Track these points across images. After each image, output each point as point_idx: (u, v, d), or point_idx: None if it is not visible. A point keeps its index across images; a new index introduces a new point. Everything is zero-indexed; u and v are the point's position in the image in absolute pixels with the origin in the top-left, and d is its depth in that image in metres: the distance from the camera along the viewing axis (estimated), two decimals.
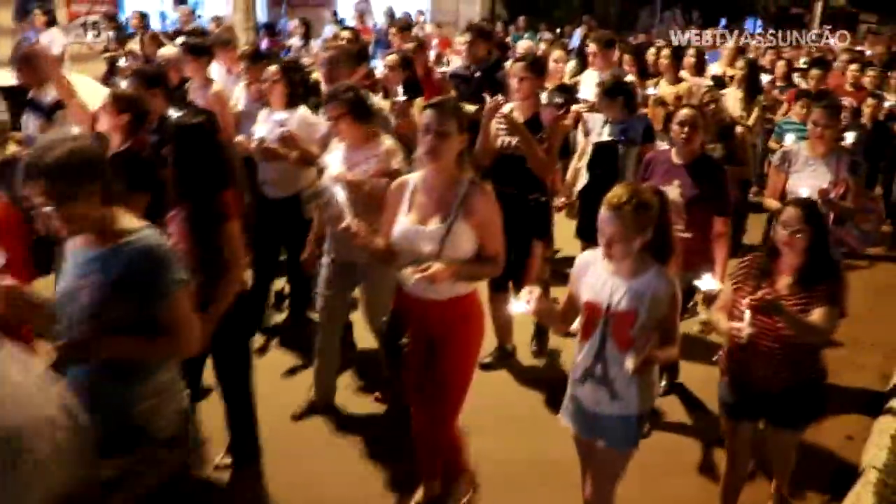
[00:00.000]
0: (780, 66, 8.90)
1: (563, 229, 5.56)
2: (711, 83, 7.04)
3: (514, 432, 4.20)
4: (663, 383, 4.57)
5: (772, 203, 4.56)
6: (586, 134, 5.42)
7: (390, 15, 14.15)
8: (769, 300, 2.92)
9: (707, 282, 3.60)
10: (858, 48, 12.43)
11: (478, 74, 6.20)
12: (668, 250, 2.82)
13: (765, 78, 8.18)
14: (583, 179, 5.15)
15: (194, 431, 3.15)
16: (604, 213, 2.71)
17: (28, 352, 2.89)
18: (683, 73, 7.10)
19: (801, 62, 10.89)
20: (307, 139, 4.63)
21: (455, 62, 8.48)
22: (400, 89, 5.53)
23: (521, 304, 2.75)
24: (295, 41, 10.24)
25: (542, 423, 4.16)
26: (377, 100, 5.03)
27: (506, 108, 4.39)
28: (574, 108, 5.85)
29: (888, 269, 7.07)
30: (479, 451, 3.75)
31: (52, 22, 10.45)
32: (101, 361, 2.31)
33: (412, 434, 3.42)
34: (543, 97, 5.36)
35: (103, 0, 13.55)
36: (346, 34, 7.14)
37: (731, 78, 7.50)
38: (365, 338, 4.56)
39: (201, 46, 6.03)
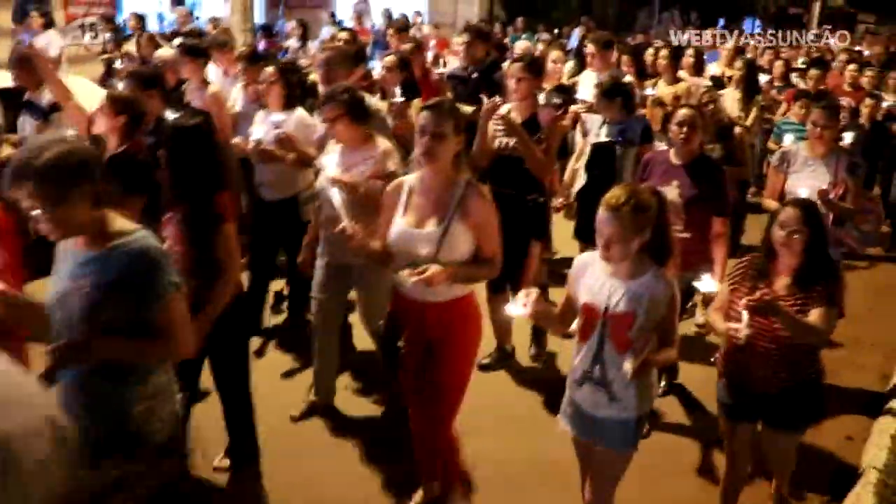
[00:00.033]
0: (778, 66, 8.90)
1: (562, 230, 5.55)
2: (710, 83, 7.03)
3: (513, 433, 4.19)
4: (662, 384, 4.56)
5: (770, 203, 4.55)
6: (584, 134, 5.42)
7: (388, 16, 14.16)
8: (767, 301, 2.91)
9: (706, 283, 3.59)
10: (857, 48, 12.44)
11: (475, 75, 6.19)
12: (667, 252, 2.81)
13: (763, 78, 8.17)
14: (581, 180, 5.15)
15: (189, 434, 3.13)
16: (602, 214, 2.69)
17: (21, 356, 2.90)
18: (682, 74, 7.09)
19: (800, 62, 10.90)
20: (304, 141, 4.62)
21: (452, 63, 8.47)
22: (398, 90, 5.52)
23: (519, 307, 2.73)
24: (292, 42, 10.25)
25: (541, 424, 4.15)
26: (374, 101, 5.02)
27: (503, 109, 4.38)
28: (572, 108, 5.84)
29: (888, 270, 7.06)
30: (478, 452, 3.74)
31: (49, 24, 10.46)
32: (96, 364, 2.30)
33: (411, 435, 3.41)
34: (541, 98, 5.35)
35: (101, 2, 13.56)
36: (343, 35, 7.13)
37: (730, 78, 7.49)
38: (364, 339, 4.55)
39: (198, 48, 6.03)
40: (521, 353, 5.04)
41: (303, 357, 4.76)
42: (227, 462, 3.77)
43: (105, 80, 8.07)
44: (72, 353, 2.25)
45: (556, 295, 3.28)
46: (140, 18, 10.40)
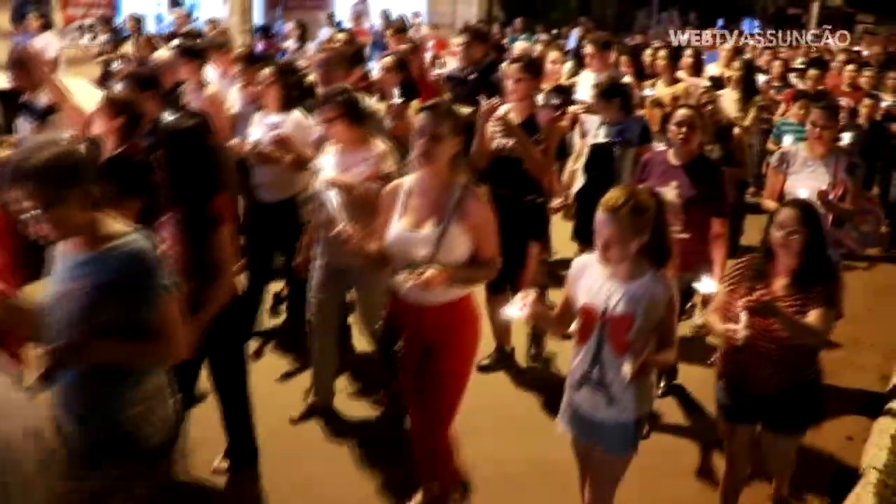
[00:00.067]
0: (777, 66, 8.90)
1: (560, 231, 5.54)
2: (709, 83, 7.02)
3: (512, 433, 4.19)
4: (662, 384, 4.56)
5: (769, 204, 4.54)
6: (583, 135, 5.41)
7: (386, 17, 14.15)
8: (765, 302, 2.90)
9: (706, 284, 3.58)
10: (855, 48, 12.44)
11: (473, 76, 6.18)
12: (666, 253, 2.79)
13: (761, 78, 8.16)
14: (579, 181, 5.14)
15: (184, 437, 3.13)
16: (600, 215, 2.68)
17: (18, 358, 2.89)
18: (681, 74, 7.07)
19: (798, 62, 10.90)
20: (302, 142, 4.61)
21: (451, 64, 8.46)
22: (396, 91, 5.51)
23: (517, 309, 2.72)
24: (290, 44, 10.22)
25: (540, 425, 4.15)
26: (372, 102, 5.01)
27: (502, 110, 4.37)
28: (570, 109, 5.83)
29: (887, 270, 7.06)
30: (477, 453, 3.75)
31: (46, 25, 10.44)
32: (90, 366, 2.30)
33: (411, 436, 3.41)
34: (540, 98, 5.34)
35: (100, 3, 13.55)
36: (341, 36, 7.12)
37: (729, 79, 7.48)
38: (363, 340, 4.55)
39: (195, 49, 6.00)
40: (521, 354, 5.03)
41: (302, 358, 4.75)
42: (226, 463, 3.77)
43: (103, 81, 8.05)
44: (68, 356, 2.24)
45: (555, 296, 3.27)
46: (137, 20, 10.39)
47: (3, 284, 2.45)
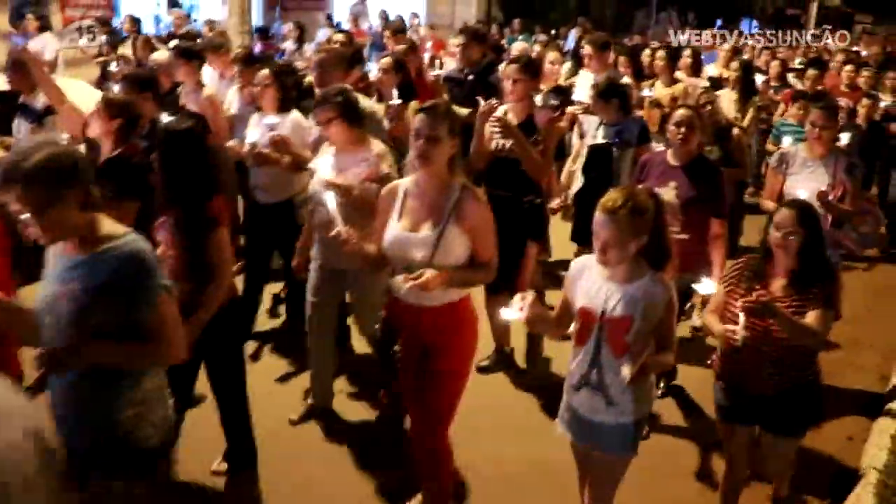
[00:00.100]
0: (775, 66, 8.89)
1: (559, 232, 5.54)
2: (707, 84, 7.01)
3: (512, 433, 4.19)
4: (661, 385, 4.55)
5: (769, 205, 4.53)
6: (581, 136, 5.40)
7: (384, 18, 14.14)
8: (763, 302, 2.89)
9: (706, 286, 3.57)
10: (854, 48, 12.44)
11: (471, 77, 6.18)
12: (665, 255, 2.78)
13: (759, 78, 8.16)
14: (578, 182, 5.13)
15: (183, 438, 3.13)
16: (598, 217, 2.67)
17: (12, 361, 2.88)
18: (679, 74, 7.07)
19: (797, 62, 10.89)
20: (299, 143, 4.60)
21: (449, 64, 8.45)
22: (395, 93, 5.50)
23: (514, 311, 2.71)
24: (288, 45, 10.22)
25: (540, 426, 4.14)
26: (369, 103, 5.00)
27: (500, 111, 4.36)
28: (569, 109, 5.82)
29: (886, 271, 7.05)
30: (477, 453, 3.75)
31: (44, 27, 10.43)
32: (85, 369, 2.28)
33: (410, 437, 3.40)
34: (538, 99, 5.33)
35: (99, 4, 13.54)
36: (339, 37, 7.11)
37: (727, 79, 7.48)
38: (362, 341, 4.54)
39: (192, 50, 6.00)
40: (521, 355, 5.02)
41: (301, 360, 4.74)
42: (225, 465, 3.77)
43: (101, 83, 8.05)
44: (64, 358, 2.23)
45: (553, 298, 3.26)
46: (135, 21, 10.37)
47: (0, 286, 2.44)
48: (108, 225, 2.33)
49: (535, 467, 3.86)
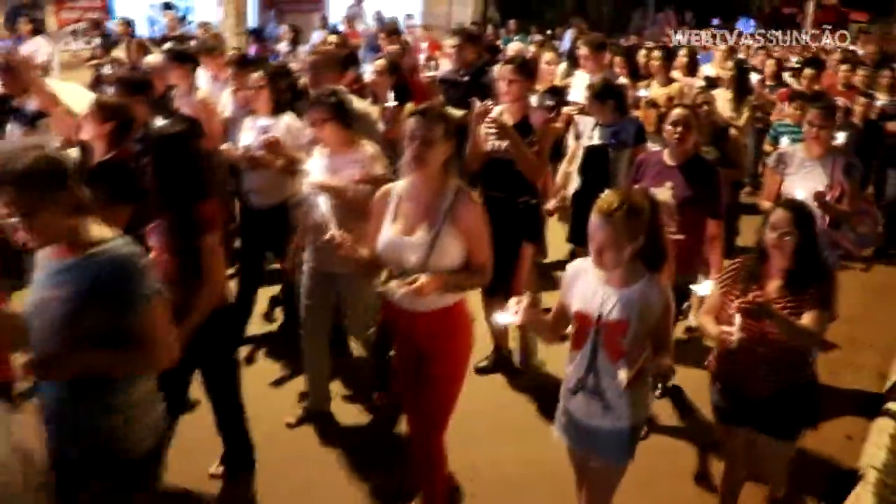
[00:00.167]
0: (770, 65, 8.87)
1: (556, 234, 5.52)
2: (703, 83, 6.99)
3: (510, 435, 4.18)
4: (659, 386, 4.52)
5: (767, 205, 4.50)
6: (577, 137, 5.38)
7: (379, 19, 14.12)
8: (759, 304, 2.87)
9: (704, 286, 3.54)
10: (850, 48, 12.43)
11: (466, 78, 6.16)
12: (661, 257, 2.76)
13: (755, 77, 8.14)
14: (574, 183, 5.11)
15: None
16: (594, 219, 2.64)
17: (3, 367, 2.85)
18: (675, 74, 7.05)
19: (794, 61, 10.87)
20: (293, 146, 4.56)
21: (445, 65, 8.44)
22: (391, 95, 5.48)
23: (510, 315, 2.68)
24: (283, 46, 10.18)
25: (538, 426, 4.13)
26: (363, 104, 4.97)
27: (495, 112, 4.34)
28: (565, 110, 5.80)
29: (884, 271, 7.06)
30: (475, 455, 3.75)
31: (37, 30, 10.40)
32: (74, 374, 2.26)
33: (407, 440, 3.37)
34: (533, 100, 5.31)
35: (93, 7, 13.51)
36: (333, 39, 7.09)
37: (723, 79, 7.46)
38: (357, 344, 4.51)
39: (185, 53, 5.97)
40: (518, 357, 4.99)
41: (297, 363, 4.71)
42: (222, 469, 3.75)
43: (95, 86, 8.01)
44: (49, 365, 2.21)
45: (550, 300, 3.24)
46: (128, 24, 10.34)
47: None
48: (97, 229, 2.30)
49: (533, 468, 3.85)
